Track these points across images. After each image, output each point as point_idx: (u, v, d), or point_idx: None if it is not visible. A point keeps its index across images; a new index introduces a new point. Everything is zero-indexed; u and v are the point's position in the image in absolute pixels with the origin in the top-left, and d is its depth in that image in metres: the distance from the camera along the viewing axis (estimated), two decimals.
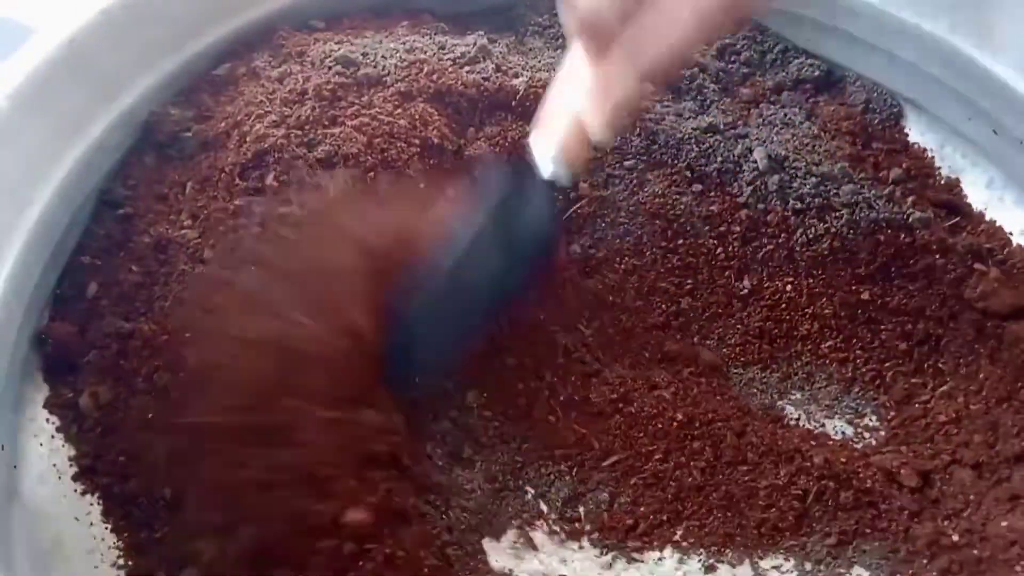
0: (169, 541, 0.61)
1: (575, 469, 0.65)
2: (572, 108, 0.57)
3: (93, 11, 0.69)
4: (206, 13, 0.75)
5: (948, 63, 0.76)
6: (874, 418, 0.69)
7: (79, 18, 0.68)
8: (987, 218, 0.76)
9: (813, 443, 0.66)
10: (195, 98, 0.73)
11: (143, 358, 0.64)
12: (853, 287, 0.72)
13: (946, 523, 0.63)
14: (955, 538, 0.62)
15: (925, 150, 0.80)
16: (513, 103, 0.73)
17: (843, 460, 0.65)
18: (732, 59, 0.83)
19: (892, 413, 0.69)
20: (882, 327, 0.71)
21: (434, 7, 0.83)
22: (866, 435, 0.68)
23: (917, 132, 0.81)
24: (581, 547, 0.63)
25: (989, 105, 0.75)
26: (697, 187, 0.73)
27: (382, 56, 0.73)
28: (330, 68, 0.72)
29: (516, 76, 0.75)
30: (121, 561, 0.61)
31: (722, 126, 0.77)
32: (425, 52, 0.73)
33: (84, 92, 0.68)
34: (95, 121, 0.69)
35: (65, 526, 0.62)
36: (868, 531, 0.63)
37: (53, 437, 0.64)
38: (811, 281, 0.72)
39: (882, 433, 0.68)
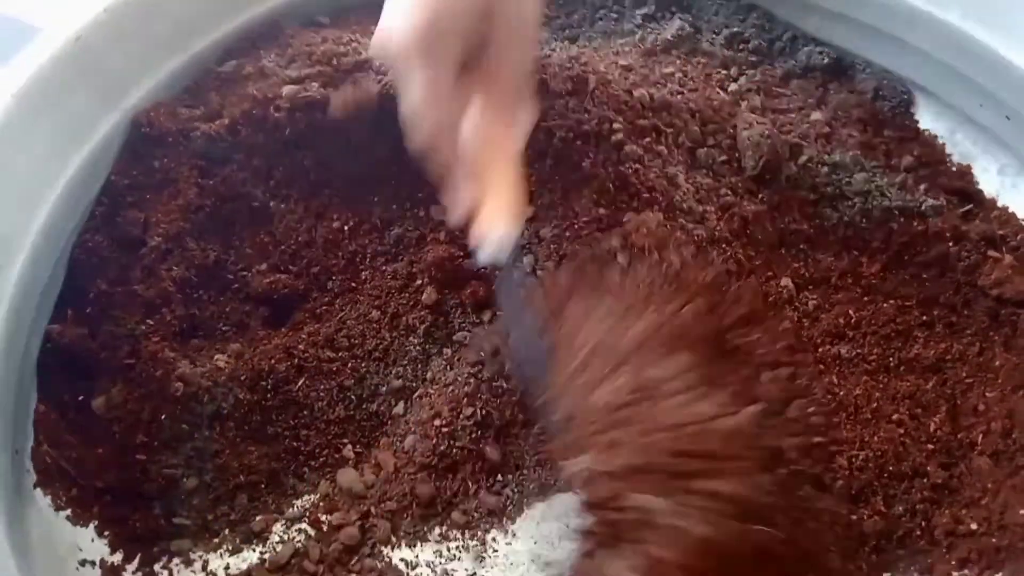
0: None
1: None
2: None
3: (98, 9, 0.68)
4: (211, 9, 0.74)
5: (959, 49, 0.75)
6: None
7: (84, 16, 0.68)
8: (999, 204, 0.75)
9: None
10: (201, 95, 0.72)
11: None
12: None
13: (964, 512, 0.62)
14: (973, 527, 0.62)
15: (936, 137, 0.80)
16: None
17: None
18: (741, 47, 0.83)
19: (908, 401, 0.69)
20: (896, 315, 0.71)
21: None
22: None
23: (928, 119, 0.81)
24: None
25: (1001, 91, 0.74)
26: None
27: None
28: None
29: None
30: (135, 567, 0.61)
31: None
32: None
33: (90, 91, 0.67)
34: (101, 120, 0.68)
35: (81, 531, 0.62)
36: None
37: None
38: None
39: None
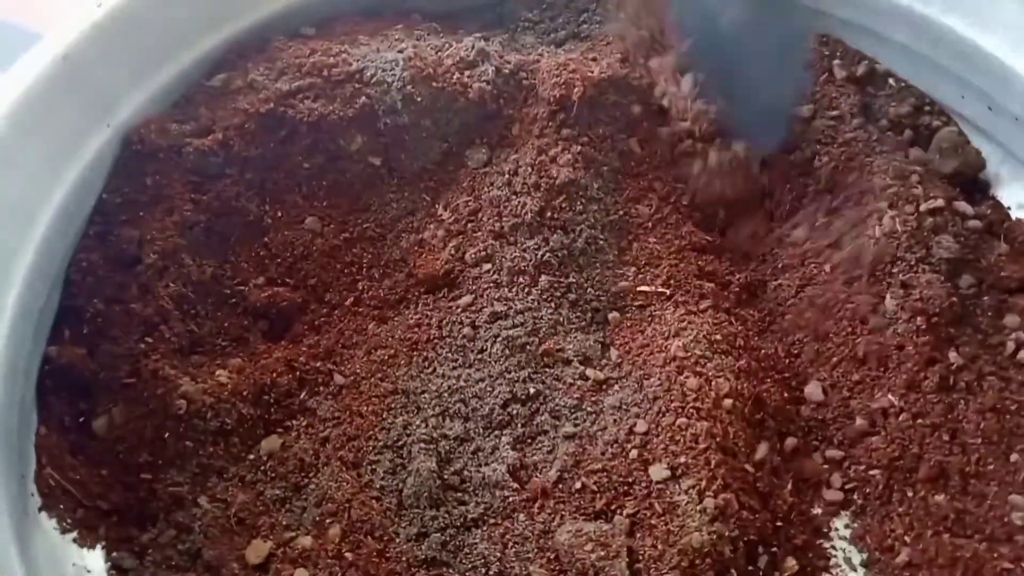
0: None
1: None
2: None
3: (85, 25, 0.67)
4: (197, 23, 0.73)
5: (940, 42, 0.76)
6: None
7: (71, 33, 0.67)
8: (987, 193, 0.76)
9: None
10: (191, 110, 0.72)
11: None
12: None
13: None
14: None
15: None
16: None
17: None
18: None
19: None
20: None
21: (424, 6, 0.83)
22: None
23: None
24: None
25: (983, 82, 0.75)
26: None
27: (381, 70, 0.73)
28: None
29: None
30: None
31: None
32: (424, 59, 0.73)
33: (80, 108, 0.67)
34: (92, 138, 0.67)
35: (87, 552, 0.61)
36: None
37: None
38: None
39: None
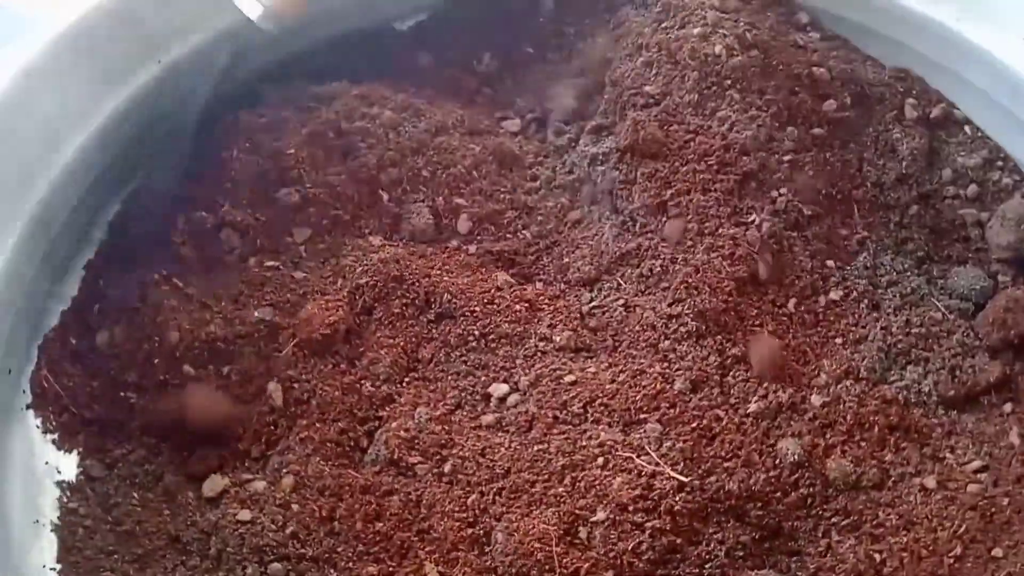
0: None
1: None
2: None
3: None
4: None
5: (1018, 93, 0.72)
6: None
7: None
8: None
9: None
10: None
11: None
12: None
13: None
14: None
15: None
16: None
17: None
18: None
19: None
20: None
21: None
22: None
23: None
24: None
25: (1001, 94, 0.72)
26: None
27: None
28: None
29: None
30: None
31: None
32: None
33: (132, 40, 0.70)
34: (140, 69, 0.71)
35: (63, 455, 0.64)
36: None
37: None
38: None
39: None
